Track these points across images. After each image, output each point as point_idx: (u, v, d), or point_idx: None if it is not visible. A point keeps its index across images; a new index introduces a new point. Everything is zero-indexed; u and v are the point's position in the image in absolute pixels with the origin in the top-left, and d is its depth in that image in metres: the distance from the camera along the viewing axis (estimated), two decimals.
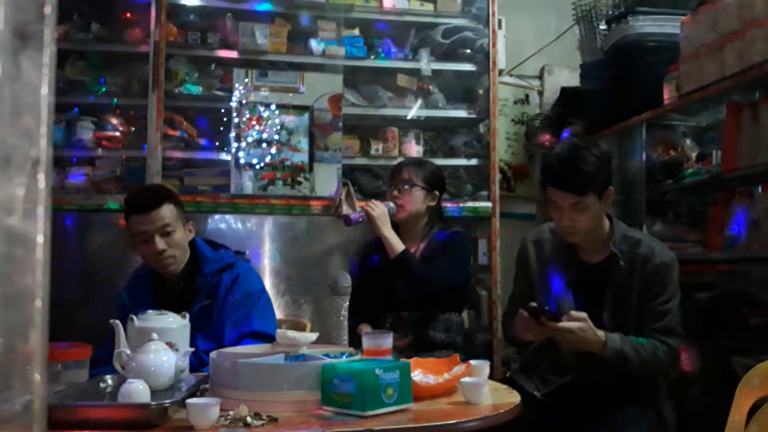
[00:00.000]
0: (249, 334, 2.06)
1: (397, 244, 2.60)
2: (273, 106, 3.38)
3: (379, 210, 2.65)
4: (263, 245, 3.27)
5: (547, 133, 4.05)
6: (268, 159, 3.34)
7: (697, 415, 2.33)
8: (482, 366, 1.79)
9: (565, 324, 1.94)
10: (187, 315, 1.86)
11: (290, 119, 3.40)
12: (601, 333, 1.98)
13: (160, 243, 2.08)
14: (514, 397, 1.65)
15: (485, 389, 1.61)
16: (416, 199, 2.70)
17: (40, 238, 0.58)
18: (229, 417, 1.40)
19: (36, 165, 0.58)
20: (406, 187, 2.70)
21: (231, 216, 3.27)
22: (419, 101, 3.65)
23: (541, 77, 4.42)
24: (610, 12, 3.66)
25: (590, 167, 2.02)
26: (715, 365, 2.59)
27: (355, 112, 3.55)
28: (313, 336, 1.71)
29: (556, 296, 2.14)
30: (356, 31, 3.60)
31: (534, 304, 2.00)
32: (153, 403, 1.45)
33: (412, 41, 3.67)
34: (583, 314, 1.96)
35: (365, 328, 2.52)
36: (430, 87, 3.69)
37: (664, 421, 2.08)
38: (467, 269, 2.84)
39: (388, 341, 1.84)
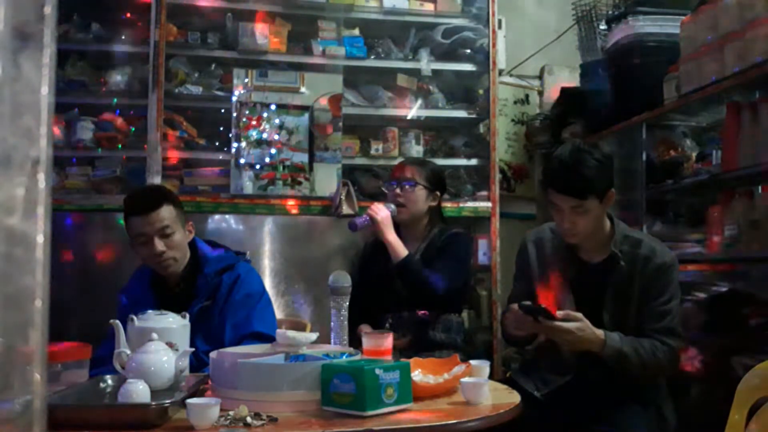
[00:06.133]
0: (249, 335, 2.06)
1: (401, 249, 2.60)
2: (273, 106, 3.38)
3: (383, 214, 2.65)
4: (263, 245, 3.27)
5: (547, 133, 4.06)
6: (268, 159, 3.34)
7: (697, 415, 2.33)
8: (482, 366, 1.79)
9: (563, 324, 1.94)
10: (187, 315, 1.86)
11: (290, 119, 3.40)
12: (600, 332, 1.98)
13: (159, 244, 2.08)
14: (514, 397, 1.65)
15: (485, 389, 1.61)
16: (419, 199, 2.70)
17: (40, 238, 0.58)
18: (229, 417, 1.40)
19: (36, 165, 0.58)
20: (408, 186, 2.70)
21: (231, 216, 3.27)
22: (419, 101, 3.66)
23: (541, 77, 4.42)
24: (610, 12, 3.66)
25: (591, 171, 2.01)
26: (715, 365, 2.59)
27: (355, 112, 3.55)
28: (313, 336, 1.71)
29: (556, 296, 2.14)
30: (356, 31, 3.60)
31: (528, 302, 2.00)
32: (153, 403, 1.45)
33: (412, 41, 3.67)
34: (578, 314, 1.96)
35: (365, 328, 2.52)
36: (430, 87, 3.69)
37: (664, 421, 2.07)
38: (468, 270, 2.84)
39: (388, 341, 1.84)
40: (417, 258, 2.65)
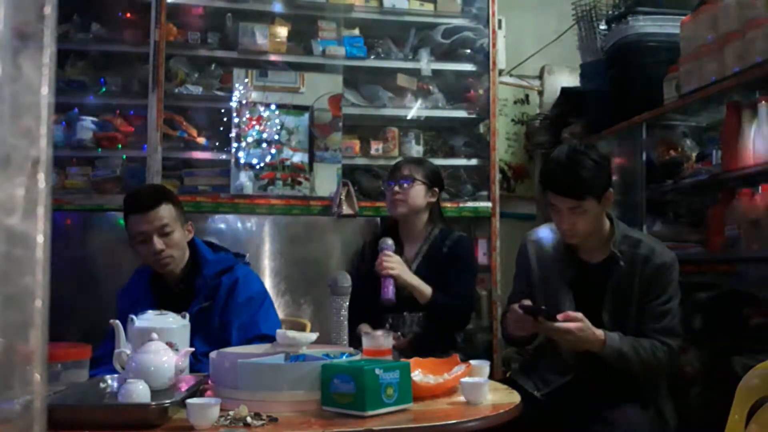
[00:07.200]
0: (256, 338, 2.05)
1: (425, 289, 2.57)
2: (273, 106, 3.38)
3: (395, 261, 2.58)
4: (263, 245, 3.27)
5: (547, 133, 4.06)
6: (268, 159, 3.34)
7: (697, 415, 2.33)
8: (482, 366, 1.79)
9: (562, 324, 1.94)
10: (187, 315, 1.86)
11: (290, 119, 3.40)
12: (600, 332, 1.98)
13: (158, 243, 2.08)
14: (514, 397, 1.65)
15: (485, 389, 1.61)
16: (417, 195, 2.70)
17: (40, 238, 0.58)
18: (229, 417, 1.40)
19: (36, 165, 0.58)
20: (406, 183, 2.69)
21: (231, 216, 3.27)
22: (419, 101, 3.66)
23: (541, 77, 4.42)
24: (610, 12, 3.66)
25: (589, 172, 2.02)
26: (715, 365, 2.59)
27: (355, 112, 3.55)
28: (313, 336, 1.71)
29: (556, 296, 2.14)
30: (356, 31, 3.61)
31: (528, 302, 2.00)
32: (153, 403, 1.45)
33: (412, 41, 3.68)
34: (579, 314, 1.96)
35: (365, 328, 2.52)
36: (430, 87, 3.69)
37: (664, 421, 2.07)
38: (475, 276, 2.86)
39: (388, 341, 1.84)
40: (426, 265, 2.66)
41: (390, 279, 2.55)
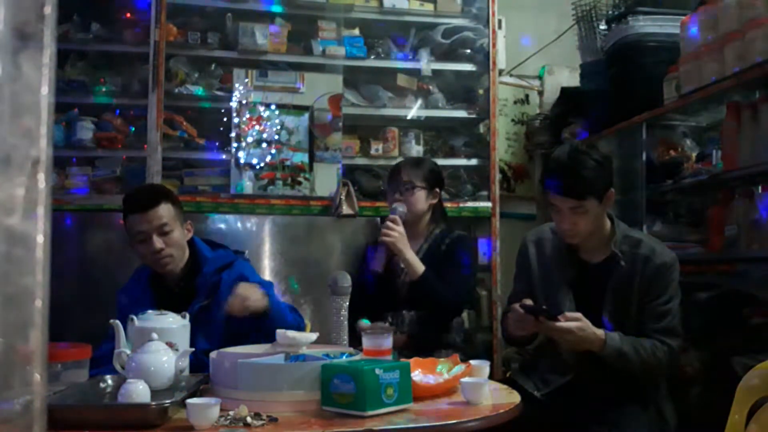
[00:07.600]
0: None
1: (419, 266, 2.56)
2: (273, 106, 3.38)
3: (396, 233, 2.55)
4: (263, 245, 3.27)
5: (547, 133, 4.06)
6: (268, 159, 3.34)
7: (697, 415, 2.33)
8: (482, 366, 1.79)
9: (563, 324, 1.94)
10: (187, 315, 1.86)
11: (290, 119, 3.40)
12: (600, 332, 1.98)
13: (158, 242, 2.09)
14: (514, 397, 1.65)
15: (485, 389, 1.61)
16: (419, 200, 2.70)
17: (40, 238, 0.58)
18: (229, 417, 1.40)
19: (36, 165, 0.58)
20: (407, 188, 2.69)
21: (231, 216, 3.27)
22: (419, 101, 3.66)
23: (541, 77, 4.42)
24: (610, 12, 3.66)
25: (590, 172, 2.02)
26: (715, 365, 2.59)
27: (355, 112, 3.55)
28: (313, 336, 1.71)
29: (556, 296, 2.14)
30: (356, 31, 3.61)
31: (529, 301, 2.00)
32: (153, 403, 1.45)
33: (412, 41, 3.68)
34: (578, 314, 1.96)
35: (364, 324, 2.51)
36: (430, 87, 3.69)
37: (664, 421, 2.08)
38: (475, 275, 2.86)
39: (388, 341, 1.84)
40: (425, 263, 2.64)
41: (383, 249, 2.56)
